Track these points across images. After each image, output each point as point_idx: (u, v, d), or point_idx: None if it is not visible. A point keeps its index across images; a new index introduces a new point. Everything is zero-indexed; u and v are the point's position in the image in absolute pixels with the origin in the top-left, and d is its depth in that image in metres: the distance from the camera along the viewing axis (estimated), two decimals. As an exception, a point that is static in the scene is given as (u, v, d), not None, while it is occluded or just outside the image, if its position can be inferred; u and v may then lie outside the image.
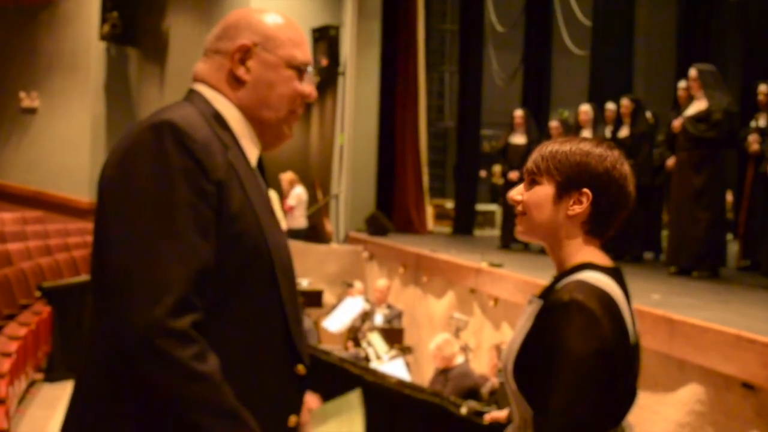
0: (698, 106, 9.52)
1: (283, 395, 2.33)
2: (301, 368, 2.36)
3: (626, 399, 2.43)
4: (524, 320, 2.47)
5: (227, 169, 2.21)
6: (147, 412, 2.10)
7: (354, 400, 2.66)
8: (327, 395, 2.66)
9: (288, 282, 2.34)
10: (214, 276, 2.14)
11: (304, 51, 2.43)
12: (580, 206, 2.46)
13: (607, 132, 11.53)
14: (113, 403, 2.14)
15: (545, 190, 2.49)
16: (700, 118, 9.41)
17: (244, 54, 2.36)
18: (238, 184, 2.22)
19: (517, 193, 2.56)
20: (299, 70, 2.41)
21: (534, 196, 2.51)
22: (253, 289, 2.24)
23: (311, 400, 2.56)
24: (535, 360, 2.37)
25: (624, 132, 11.40)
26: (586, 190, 2.45)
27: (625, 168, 2.49)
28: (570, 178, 2.46)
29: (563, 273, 2.48)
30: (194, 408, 2.06)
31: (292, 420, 2.35)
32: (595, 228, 2.49)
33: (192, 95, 2.39)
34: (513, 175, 13.13)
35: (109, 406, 2.15)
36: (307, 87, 2.44)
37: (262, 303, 2.27)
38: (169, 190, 2.10)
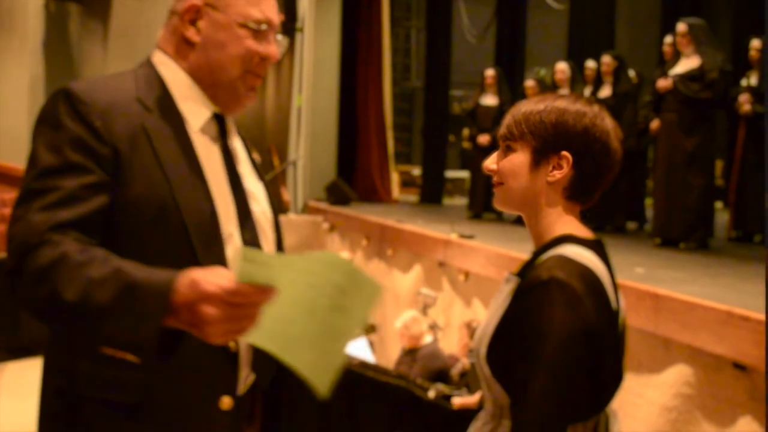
0: (689, 63, 9.48)
1: (210, 375, 2.30)
2: (232, 344, 2.32)
3: (611, 383, 2.40)
4: (500, 300, 2.42)
5: (133, 134, 2.27)
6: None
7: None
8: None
9: (211, 252, 2.30)
10: (109, 242, 2.18)
11: (261, 8, 2.46)
12: (560, 171, 2.40)
13: (587, 92, 11.49)
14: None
15: (520, 158, 2.44)
16: (692, 76, 9.36)
17: (195, 14, 2.40)
18: (147, 149, 2.27)
19: (491, 162, 2.52)
20: (254, 30, 2.43)
21: (509, 164, 2.47)
22: (159, 259, 2.13)
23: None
24: (511, 344, 2.32)
25: (605, 92, 11.38)
26: (565, 153, 2.39)
27: (607, 123, 2.43)
28: (547, 141, 2.40)
29: (542, 247, 2.42)
30: (49, 309, 2.06)
31: (225, 402, 2.31)
32: (578, 193, 2.43)
33: (144, 62, 2.47)
34: (483, 138, 13.15)
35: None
36: (265, 47, 2.46)
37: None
38: (57, 154, 2.19)
